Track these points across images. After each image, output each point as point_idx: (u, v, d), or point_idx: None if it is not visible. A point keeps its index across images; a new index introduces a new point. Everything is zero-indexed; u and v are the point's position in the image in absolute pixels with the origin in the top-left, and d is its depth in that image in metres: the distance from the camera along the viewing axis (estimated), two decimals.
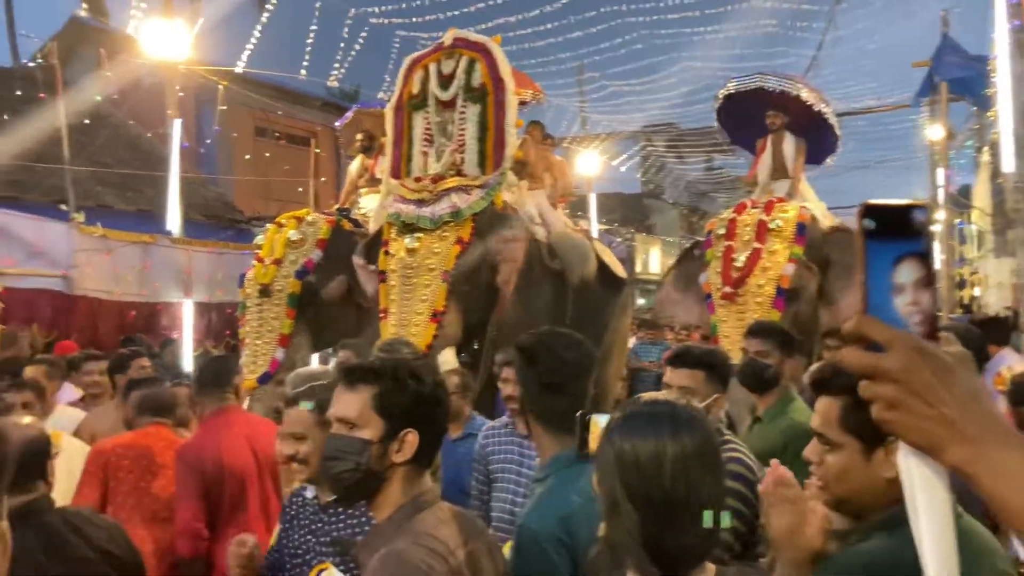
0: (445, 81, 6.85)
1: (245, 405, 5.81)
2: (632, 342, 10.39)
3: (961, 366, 0.87)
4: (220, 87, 14.71)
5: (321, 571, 2.41)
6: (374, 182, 8.51)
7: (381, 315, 6.40)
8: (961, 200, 19.43)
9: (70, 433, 4.50)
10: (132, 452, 3.89)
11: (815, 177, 8.73)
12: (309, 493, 2.59)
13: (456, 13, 17.90)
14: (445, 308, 6.21)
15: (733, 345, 5.91)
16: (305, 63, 16.65)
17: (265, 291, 6.98)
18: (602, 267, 7.38)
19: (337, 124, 10.00)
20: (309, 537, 2.50)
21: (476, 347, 6.76)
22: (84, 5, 18.48)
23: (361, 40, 17.46)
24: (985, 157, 18.49)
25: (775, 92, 7.90)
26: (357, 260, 6.80)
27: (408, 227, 6.42)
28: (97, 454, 3.89)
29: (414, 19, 18.25)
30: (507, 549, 2.43)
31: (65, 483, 3.58)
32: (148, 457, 3.89)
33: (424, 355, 5.89)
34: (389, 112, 7.16)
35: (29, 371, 5.39)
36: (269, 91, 18.50)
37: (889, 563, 1.56)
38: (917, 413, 0.85)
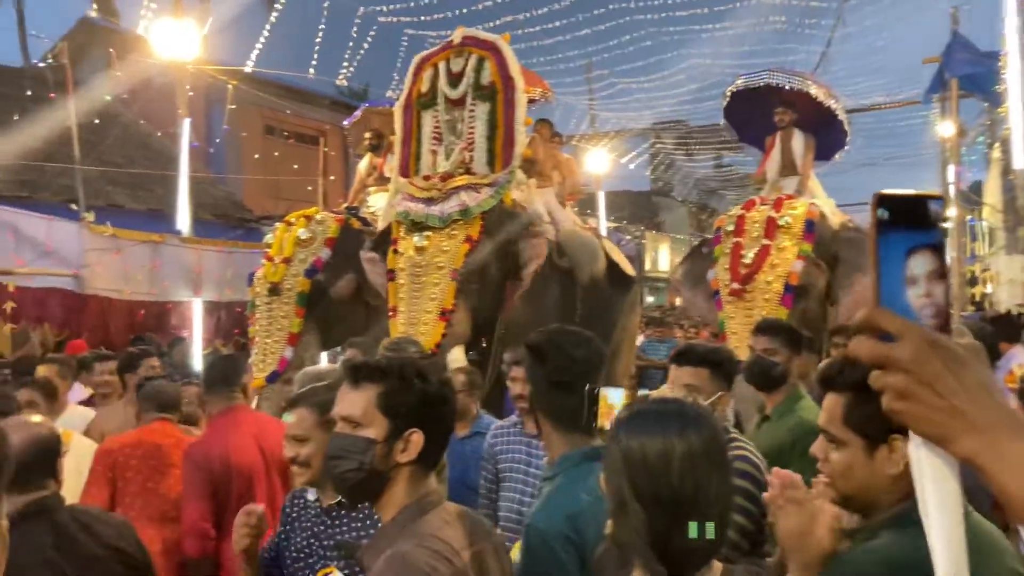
0: (454, 79, 6.85)
1: (254, 404, 5.82)
2: (640, 340, 10.39)
3: (972, 357, 0.87)
4: (229, 86, 14.74)
5: (326, 575, 2.40)
6: (383, 180, 8.52)
7: (390, 313, 6.40)
8: (972, 197, 19.34)
9: (80, 432, 4.52)
10: (140, 451, 3.90)
11: (824, 174, 8.69)
12: (311, 496, 2.56)
13: (464, 11, 17.93)
14: (454, 307, 6.21)
15: (741, 342, 5.90)
16: (314, 62, 16.70)
17: (274, 290, 7.00)
18: (611, 265, 7.38)
19: (346, 123, 10.01)
20: (312, 540, 2.47)
21: (484, 345, 6.76)
22: (94, 5, 18.55)
23: (370, 39, 17.50)
24: (996, 153, 18.40)
25: (784, 88, 7.88)
26: (365, 253, 6.80)
27: (417, 225, 6.42)
28: (104, 454, 3.89)
29: (422, 18, 18.28)
30: (516, 549, 2.44)
31: (74, 482, 3.60)
32: (156, 457, 3.90)
33: (433, 354, 5.90)
34: (398, 110, 7.16)
35: (41, 370, 5.41)
36: (278, 90, 18.55)
37: (898, 560, 1.57)
38: (927, 403, 0.85)
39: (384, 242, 6.78)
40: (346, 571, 2.31)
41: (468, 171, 6.63)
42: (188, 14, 13.24)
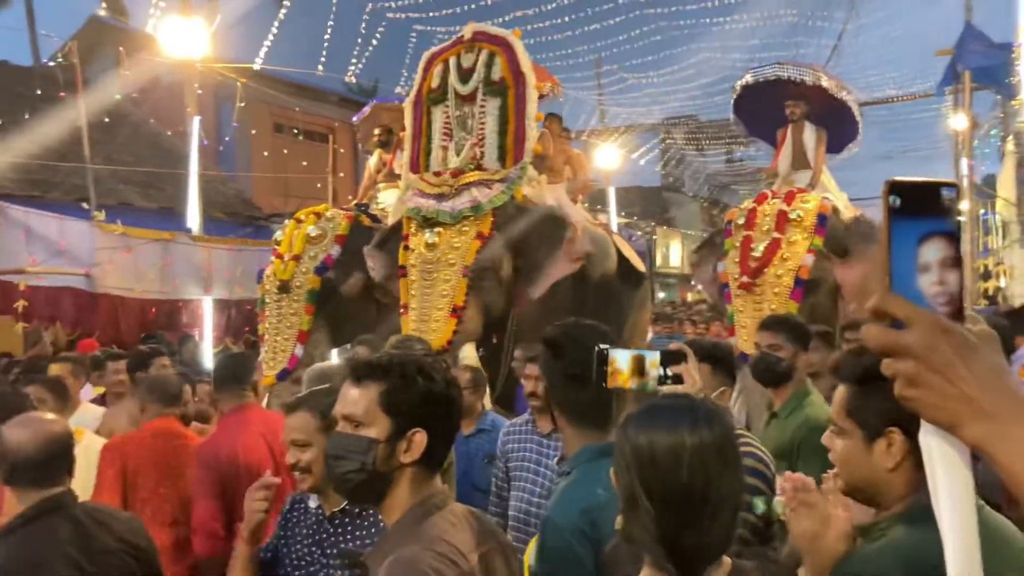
0: (465, 75, 6.83)
1: (264, 402, 5.83)
2: (650, 336, 10.37)
3: (983, 344, 0.86)
4: (239, 84, 14.77)
5: None
6: (392, 177, 8.50)
7: (401, 310, 6.39)
8: (985, 190, 19.22)
9: (93, 430, 4.53)
10: (150, 456, 3.85)
11: (837, 168, 8.65)
12: (312, 503, 2.49)
13: (473, 7, 17.92)
14: (465, 303, 6.19)
15: (750, 336, 5.86)
16: (323, 59, 16.70)
17: (284, 287, 6.98)
18: (622, 261, 7.35)
19: (355, 119, 10.00)
20: (314, 548, 2.40)
21: (495, 342, 6.74)
22: (103, 4, 18.61)
23: (378, 35, 17.50)
24: (1010, 146, 18.25)
25: (794, 81, 7.83)
26: (368, 250, 6.79)
27: (428, 222, 6.40)
28: (112, 456, 3.83)
29: (431, 14, 18.29)
30: (531, 546, 2.42)
31: (85, 478, 3.59)
32: (166, 461, 3.85)
33: (443, 351, 5.89)
34: (408, 106, 7.14)
35: (54, 368, 5.44)
36: (287, 88, 18.58)
37: (911, 557, 1.56)
38: (937, 390, 0.85)
39: (390, 239, 6.77)
40: None
41: (479, 167, 6.62)
42: (196, 12, 13.27)
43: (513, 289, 6.54)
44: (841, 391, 1.85)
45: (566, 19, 20.07)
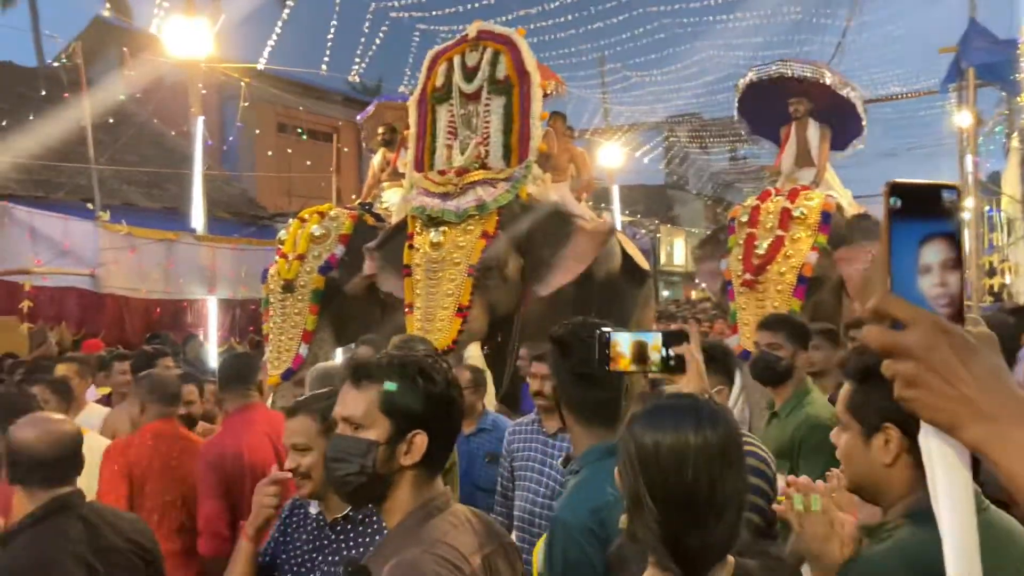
0: (470, 73, 6.82)
1: (268, 402, 5.83)
2: None
3: (983, 345, 0.86)
4: (242, 84, 14.79)
5: None
6: (396, 176, 8.51)
7: (406, 310, 6.39)
8: (990, 187, 19.18)
9: (97, 431, 4.54)
10: (153, 460, 3.80)
11: (842, 165, 8.63)
12: (313, 509, 2.43)
13: (476, 5, 17.92)
14: (471, 303, 6.18)
15: (752, 333, 5.86)
16: (326, 59, 16.70)
17: (288, 287, 6.97)
18: (625, 259, 7.34)
19: (359, 117, 10.01)
20: (314, 555, 2.35)
21: (500, 340, 6.74)
22: (107, 5, 18.63)
23: (382, 34, 17.50)
24: (1015, 143, 18.23)
25: (797, 79, 7.82)
26: (367, 248, 6.79)
27: (433, 221, 6.40)
28: (116, 462, 3.76)
29: (434, 12, 18.28)
30: (540, 545, 2.42)
31: (88, 478, 3.59)
32: (170, 467, 3.80)
33: (448, 351, 5.88)
34: (412, 105, 7.14)
35: (60, 369, 5.44)
36: (291, 87, 18.61)
37: (917, 558, 1.56)
38: (936, 391, 0.85)
39: (393, 238, 6.77)
40: None
41: (483, 166, 6.61)
42: (200, 12, 13.29)
43: (519, 288, 6.54)
44: (845, 388, 1.87)
45: (569, 17, 20.08)
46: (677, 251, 33.85)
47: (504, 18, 16.38)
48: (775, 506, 1.86)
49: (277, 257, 7.28)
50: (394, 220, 7.27)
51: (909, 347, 0.85)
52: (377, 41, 17.38)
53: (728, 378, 2.99)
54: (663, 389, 1.97)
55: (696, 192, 36.56)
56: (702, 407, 1.53)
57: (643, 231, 25.10)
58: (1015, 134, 18.46)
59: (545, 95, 6.92)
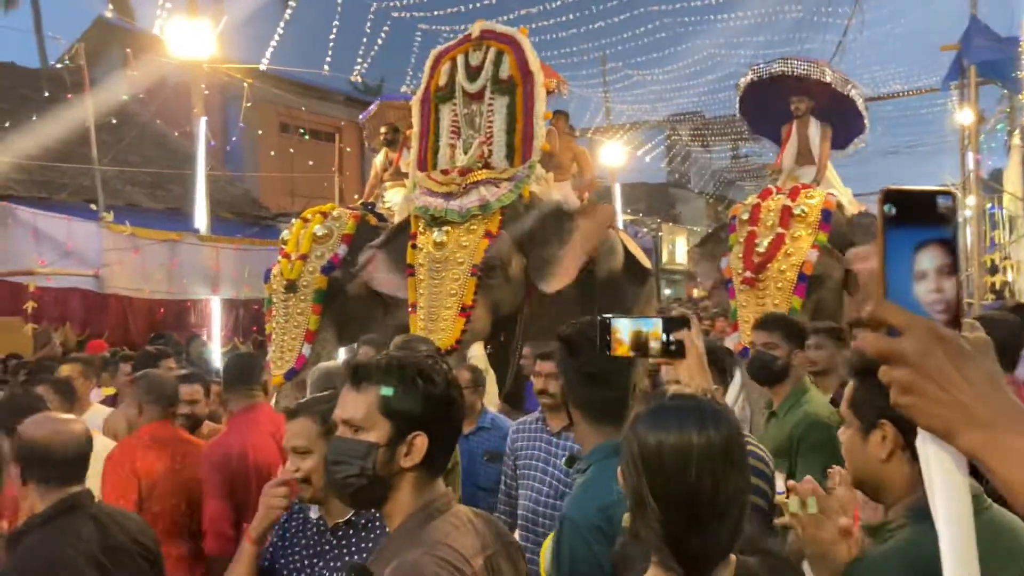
0: (473, 73, 6.83)
1: (272, 402, 5.85)
2: None
3: (978, 351, 0.87)
4: (245, 85, 14.81)
5: None
6: (399, 175, 8.52)
7: (410, 310, 6.40)
8: (992, 184, 19.15)
9: (100, 431, 4.56)
10: (159, 465, 3.73)
11: (844, 163, 8.62)
12: (313, 513, 2.40)
13: (478, 5, 17.94)
14: (474, 302, 6.18)
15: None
16: (328, 59, 16.72)
17: (291, 287, 6.96)
18: (627, 258, 7.35)
19: (361, 117, 10.01)
20: (315, 560, 2.32)
21: (503, 339, 6.76)
22: (110, 6, 18.66)
23: (383, 34, 17.50)
24: (1016, 140, 18.19)
25: (798, 77, 7.82)
26: (371, 246, 6.80)
27: (436, 220, 6.41)
28: (126, 468, 3.68)
29: (436, 12, 18.29)
30: (547, 543, 2.44)
31: (91, 479, 3.60)
32: (175, 471, 3.76)
33: (452, 350, 5.90)
34: (415, 104, 7.15)
35: (64, 369, 5.46)
36: (293, 87, 18.62)
37: (919, 558, 1.56)
38: (931, 397, 0.86)
39: (395, 238, 6.78)
40: None
41: (487, 165, 6.62)
42: (203, 13, 13.31)
43: (522, 287, 6.55)
44: (850, 384, 1.91)
45: (571, 17, 20.08)
46: (679, 249, 33.79)
47: (505, 17, 16.37)
48: (777, 520, 1.88)
49: (280, 257, 7.26)
50: (396, 220, 7.29)
51: (904, 353, 0.86)
52: (379, 41, 17.39)
53: (722, 378, 3.01)
54: (665, 389, 1.99)
55: (698, 190, 36.51)
56: (705, 407, 1.53)
57: (645, 230, 25.10)
58: (1016, 131, 18.42)
59: (548, 94, 6.93)
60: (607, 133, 24.44)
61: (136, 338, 10.36)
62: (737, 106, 8.78)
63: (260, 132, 18.24)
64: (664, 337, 2.00)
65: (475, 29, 6.93)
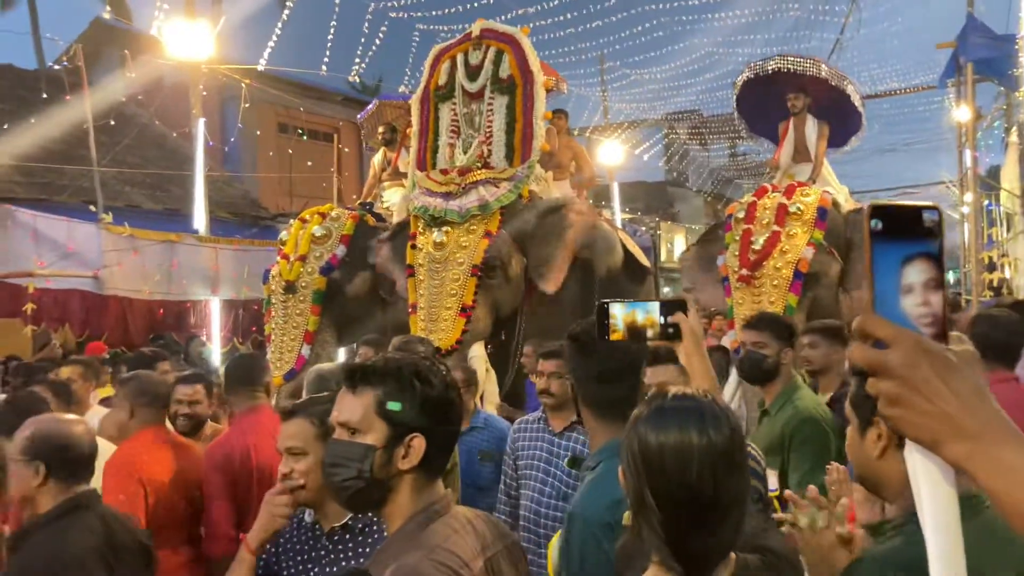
0: (473, 72, 6.83)
1: (274, 403, 5.85)
2: None
3: (964, 363, 0.88)
4: (243, 85, 14.81)
5: None
6: (397, 175, 8.53)
7: (410, 310, 6.41)
8: (989, 182, 19.16)
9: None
10: (163, 471, 3.64)
11: (843, 161, 8.62)
12: (308, 517, 2.35)
13: (475, 5, 17.94)
14: (474, 302, 6.19)
15: None
16: (326, 59, 16.72)
17: (290, 288, 6.96)
18: (626, 256, 7.36)
19: (360, 116, 10.02)
20: (310, 566, 2.27)
21: (504, 338, 6.77)
22: (107, 7, 18.66)
23: (381, 34, 17.51)
24: (1013, 138, 18.21)
25: (795, 73, 7.83)
26: (380, 240, 6.81)
27: (436, 220, 6.41)
28: (130, 474, 3.55)
29: (434, 12, 18.29)
30: (555, 540, 2.45)
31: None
32: (179, 476, 3.68)
33: (452, 351, 5.91)
34: (415, 103, 7.15)
35: (64, 372, 5.46)
36: (291, 88, 18.61)
37: (915, 561, 1.59)
38: (917, 409, 0.87)
39: (401, 234, 6.79)
40: None
41: (486, 165, 6.63)
42: (200, 14, 13.31)
43: (521, 286, 6.57)
44: (852, 383, 1.94)
45: (568, 16, 20.10)
46: (677, 248, 33.80)
47: (503, 17, 16.37)
48: (776, 516, 1.89)
49: (278, 258, 7.26)
50: (395, 220, 7.30)
51: (891, 366, 0.87)
52: (377, 41, 17.40)
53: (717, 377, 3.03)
54: (665, 388, 2.01)
55: (696, 189, 36.49)
56: (706, 408, 1.53)
57: (643, 228, 25.09)
58: (1014, 129, 18.44)
59: (547, 92, 6.94)
60: (605, 132, 24.44)
61: (136, 339, 10.37)
62: (734, 104, 8.78)
63: (258, 133, 18.23)
64: (661, 320, 2.02)
65: (475, 28, 6.94)
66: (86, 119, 12.20)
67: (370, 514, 2.24)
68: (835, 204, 6.98)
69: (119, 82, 15.25)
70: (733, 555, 1.54)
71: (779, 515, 1.95)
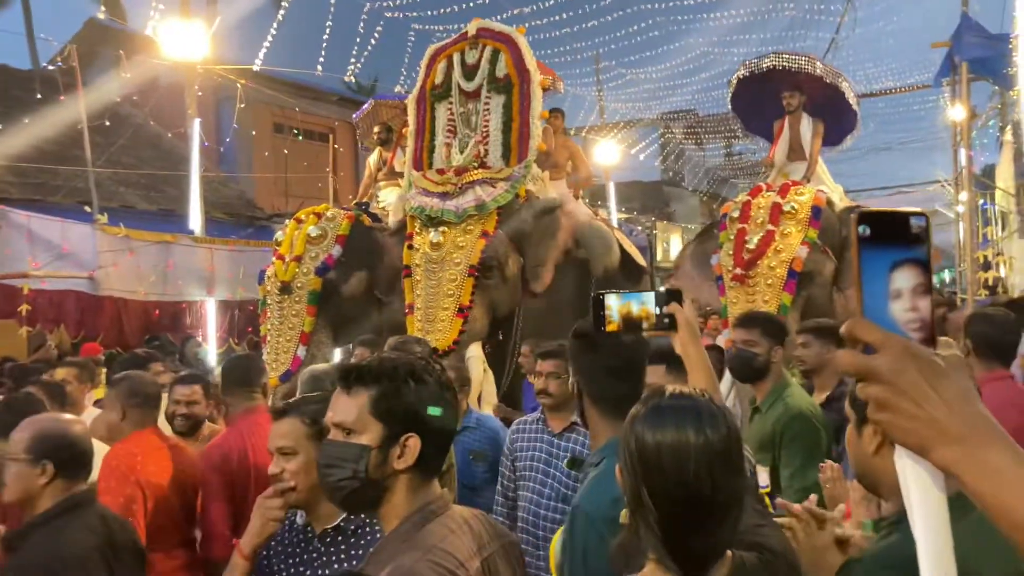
0: (469, 71, 6.83)
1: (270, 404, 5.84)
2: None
3: (952, 369, 0.89)
4: (238, 85, 14.80)
5: None
6: (393, 175, 8.52)
7: (407, 311, 6.40)
8: (984, 180, 19.20)
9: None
10: (162, 474, 3.63)
11: (838, 159, 8.64)
12: (300, 519, 2.33)
13: (471, 5, 17.94)
14: (472, 303, 6.18)
15: None
16: (321, 59, 16.71)
17: (286, 288, 6.93)
18: (623, 256, 7.38)
19: (355, 116, 10.01)
20: (302, 568, 2.26)
21: (501, 338, 6.77)
22: (102, 7, 18.62)
23: (377, 34, 17.50)
24: (1007, 137, 18.25)
25: (790, 71, 7.84)
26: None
27: (432, 220, 6.40)
28: (131, 487, 3.50)
29: (429, 12, 18.29)
30: (557, 536, 2.45)
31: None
32: (177, 479, 3.67)
33: (449, 351, 5.91)
34: (411, 102, 7.15)
35: (59, 373, 5.46)
36: (287, 88, 18.58)
37: (909, 560, 1.59)
38: (905, 413, 0.87)
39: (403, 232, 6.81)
40: None
41: (483, 164, 6.63)
42: (195, 14, 13.29)
43: (519, 286, 6.57)
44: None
45: (564, 16, 20.11)
46: (674, 247, 33.83)
47: (499, 17, 16.30)
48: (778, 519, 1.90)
49: (274, 258, 7.23)
50: (391, 219, 7.29)
51: (879, 371, 0.88)
52: (372, 41, 17.39)
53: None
54: (663, 387, 2.02)
55: (692, 188, 36.54)
56: (703, 407, 1.54)
57: (639, 228, 25.10)
58: (1008, 128, 18.48)
59: (543, 91, 6.94)
60: (601, 132, 24.46)
61: (131, 340, 10.35)
62: (728, 102, 8.79)
63: (254, 133, 18.21)
64: (656, 311, 2.04)
65: (471, 27, 6.94)
66: (81, 119, 12.17)
67: (363, 515, 2.23)
68: (829, 203, 7.00)
69: (114, 82, 15.20)
70: (729, 553, 1.54)
71: (778, 519, 1.95)
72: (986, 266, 16.41)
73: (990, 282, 15.72)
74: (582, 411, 2.39)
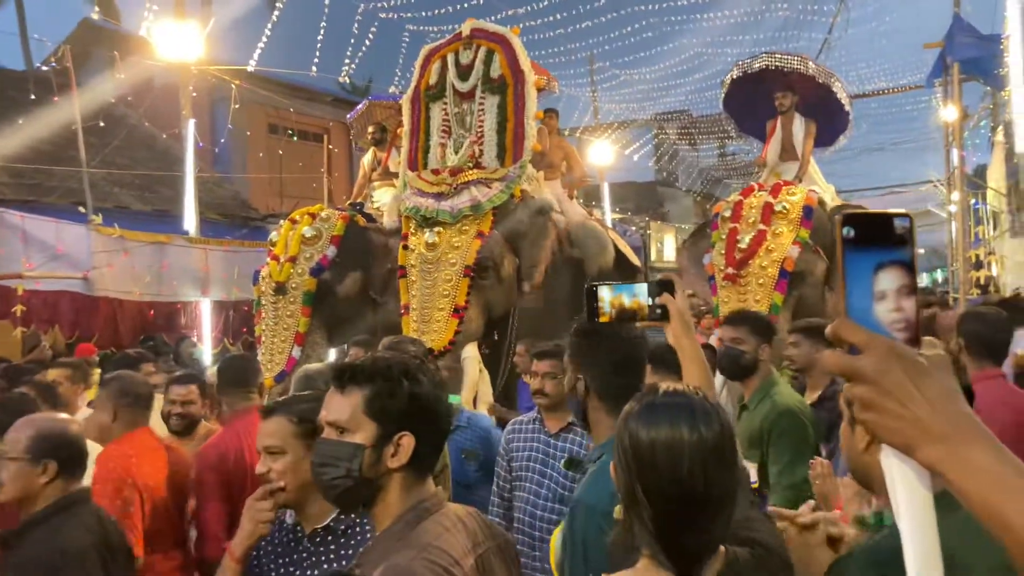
0: (464, 72, 6.82)
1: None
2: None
3: (936, 368, 0.90)
4: (233, 86, 14.79)
5: None
6: (387, 175, 8.52)
7: (402, 311, 6.40)
8: (976, 180, 19.29)
9: None
10: (158, 476, 3.63)
11: (830, 160, 8.66)
12: (290, 519, 2.32)
13: (465, 5, 17.94)
14: (467, 303, 6.18)
15: None
16: (316, 60, 16.71)
17: (280, 289, 6.91)
18: (617, 256, 7.39)
19: (349, 116, 10.00)
20: (292, 568, 2.24)
21: (496, 338, 6.78)
22: (96, 7, 18.59)
23: (371, 35, 17.49)
24: (999, 137, 18.34)
25: (782, 71, 7.87)
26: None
27: (427, 221, 6.41)
28: (128, 489, 3.48)
29: (423, 12, 18.29)
30: (557, 531, 2.46)
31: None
32: (172, 480, 3.68)
33: (445, 351, 5.92)
34: (406, 103, 7.14)
35: (51, 373, 5.44)
36: (281, 88, 18.58)
37: (891, 555, 1.62)
38: (891, 413, 0.88)
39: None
40: None
41: (477, 165, 6.64)
42: (190, 15, 13.29)
43: (514, 287, 6.58)
44: None
45: (558, 17, 20.12)
46: (668, 247, 33.86)
47: (493, 17, 16.35)
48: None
49: (268, 259, 7.21)
50: (385, 220, 7.29)
51: (863, 371, 0.89)
52: (367, 42, 17.39)
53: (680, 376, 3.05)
54: (657, 385, 2.03)
55: (686, 189, 36.59)
56: (697, 404, 1.55)
57: (634, 228, 25.12)
58: (1000, 128, 18.57)
59: (538, 91, 6.95)
60: (595, 132, 24.49)
61: (126, 340, 10.34)
62: (721, 102, 8.82)
63: (248, 133, 18.20)
64: (649, 301, 2.05)
65: (465, 28, 6.95)
66: (75, 120, 12.15)
67: (353, 515, 2.23)
68: (821, 203, 7.03)
69: (108, 83, 15.19)
70: (723, 548, 1.55)
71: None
72: (978, 265, 16.50)
73: (982, 281, 15.81)
74: (582, 411, 2.40)
